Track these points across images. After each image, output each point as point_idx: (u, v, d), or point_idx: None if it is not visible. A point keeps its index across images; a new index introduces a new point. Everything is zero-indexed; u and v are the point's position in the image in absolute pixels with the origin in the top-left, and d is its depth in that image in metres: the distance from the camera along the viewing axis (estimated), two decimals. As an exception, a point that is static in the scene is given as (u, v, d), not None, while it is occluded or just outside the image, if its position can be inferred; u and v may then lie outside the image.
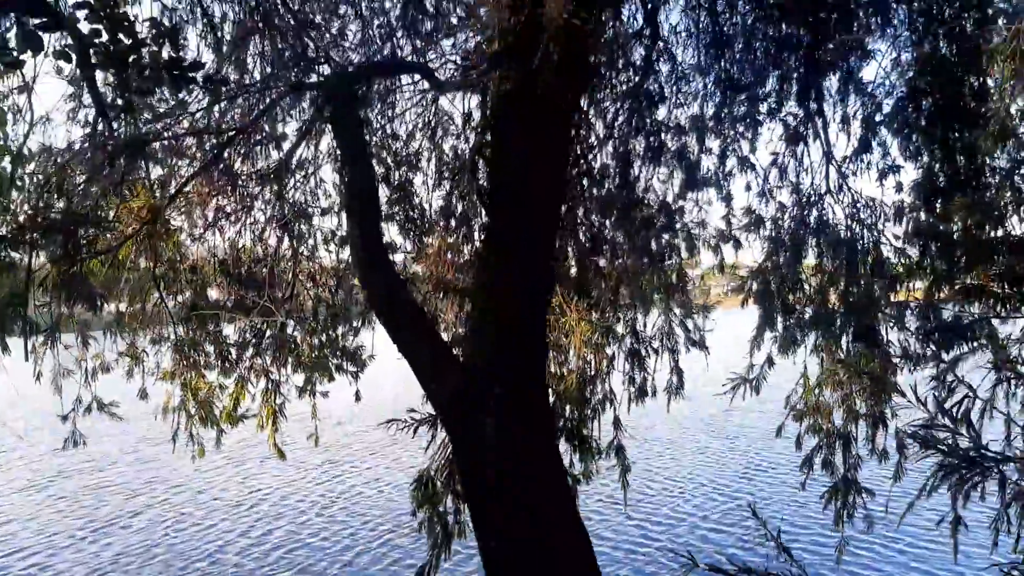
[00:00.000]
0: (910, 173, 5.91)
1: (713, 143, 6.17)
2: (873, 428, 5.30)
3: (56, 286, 3.73)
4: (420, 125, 6.18)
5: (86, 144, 3.92)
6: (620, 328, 5.96)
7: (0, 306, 3.50)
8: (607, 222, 5.95)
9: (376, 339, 6.60)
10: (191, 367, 6.04)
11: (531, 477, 3.89)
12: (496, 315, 3.94)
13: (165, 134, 4.50)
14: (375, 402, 6.81)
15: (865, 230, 5.64)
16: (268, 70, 5.41)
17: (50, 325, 4.35)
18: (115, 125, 3.55)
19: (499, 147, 4.11)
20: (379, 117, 6.08)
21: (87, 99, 5.41)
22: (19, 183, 3.52)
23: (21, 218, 3.46)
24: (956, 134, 5.39)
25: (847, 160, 5.70)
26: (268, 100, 5.05)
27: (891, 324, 5.38)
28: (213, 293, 6.24)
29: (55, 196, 3.66)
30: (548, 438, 4.32)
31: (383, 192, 5.88)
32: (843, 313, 5.49)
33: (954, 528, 5.42)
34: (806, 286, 5.87)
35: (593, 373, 5.55)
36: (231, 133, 4.71)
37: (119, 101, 3.31)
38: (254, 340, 6.27)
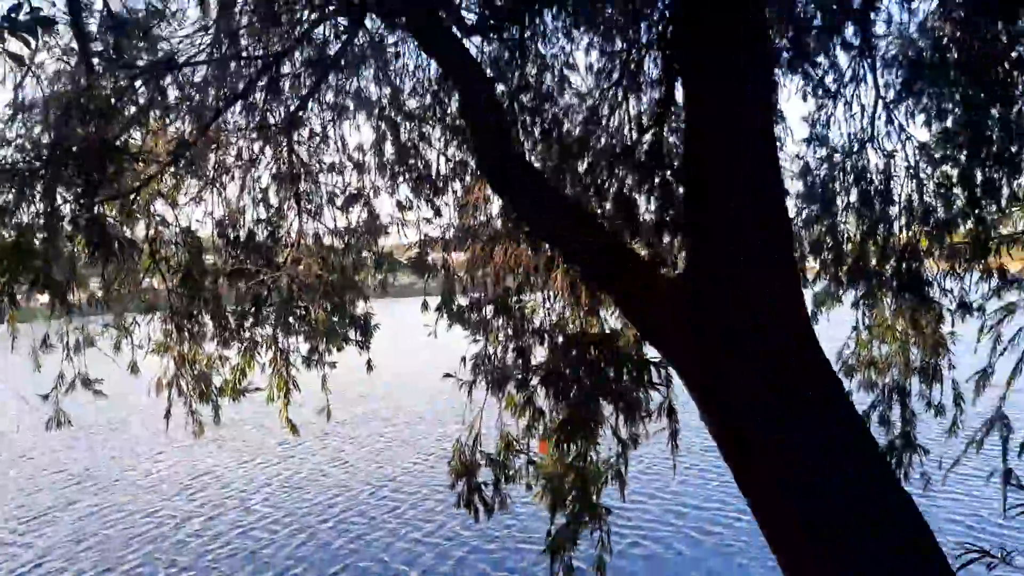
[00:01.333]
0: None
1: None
2: (929, 381, 5.04)
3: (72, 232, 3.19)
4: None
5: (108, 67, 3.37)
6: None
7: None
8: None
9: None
10: (187, 338, 5.50)
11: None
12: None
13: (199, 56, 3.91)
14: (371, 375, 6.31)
15: (909, 177, 5.37)
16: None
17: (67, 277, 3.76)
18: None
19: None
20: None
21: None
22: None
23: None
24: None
25: (890, 105, 5.43)
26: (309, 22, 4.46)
27: (941, 273, 5.13)
28: (209, 258, 5.70)
29: (75, 122, 3.11)
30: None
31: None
32: (890, 263, 5.22)
33: (1004, 481, 5.20)
34: (847, 236, 5.59)
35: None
36: (268, 57, 4.15)
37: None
38: (253, 308, 5.73)
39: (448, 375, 4.91)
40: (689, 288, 3.38)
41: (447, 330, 5.98)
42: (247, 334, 5.63)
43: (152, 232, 5.13)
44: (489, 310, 5.21)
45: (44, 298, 4.90)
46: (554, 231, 3.81)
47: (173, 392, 5.64)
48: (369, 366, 6.13)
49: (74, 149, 2.90)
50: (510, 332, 5.12)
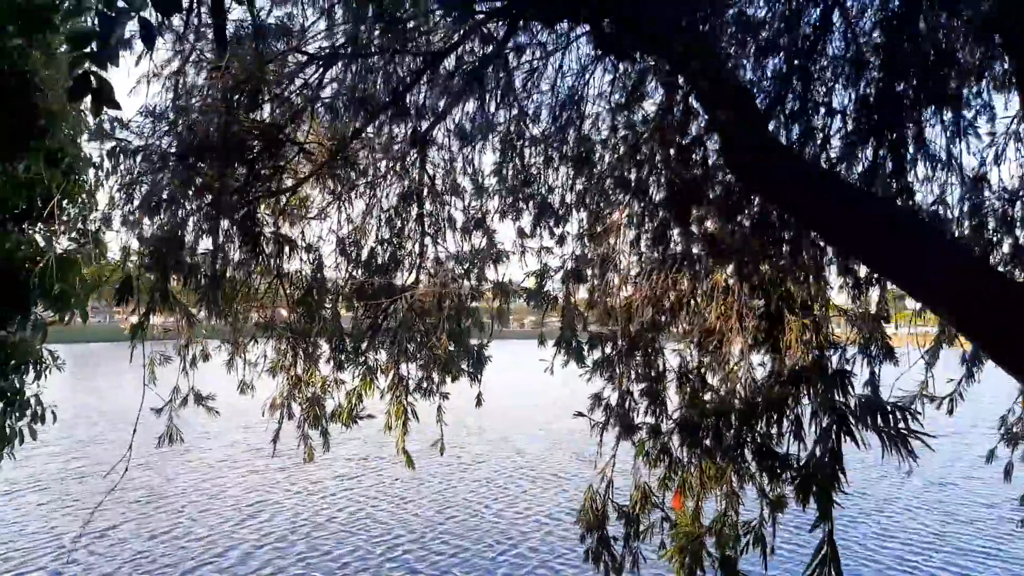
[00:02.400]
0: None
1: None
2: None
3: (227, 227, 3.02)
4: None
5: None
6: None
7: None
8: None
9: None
10: (304, 358, 5.33)
11: None
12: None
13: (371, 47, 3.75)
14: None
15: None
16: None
17: (210, 277, 3.59)
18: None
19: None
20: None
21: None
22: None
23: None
24: None
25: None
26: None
27: None
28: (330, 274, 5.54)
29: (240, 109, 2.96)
30: None
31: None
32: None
33: None
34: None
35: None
36: (428, 55, 3.96)
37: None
38: (370, 332, 5.53)
39: (580, 414, 4.56)
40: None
41: (563, 367, 5.67)
42: (363, 358, 5.42)
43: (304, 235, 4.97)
44: (620, 346, 4.84)
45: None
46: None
47: (284, 414, 5.47)
48: (479, 400, 5.84)
49: (242, 135, 2.73)
50: (643, 373, 4.74)
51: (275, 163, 3.13)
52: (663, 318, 4.62)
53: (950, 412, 5.16)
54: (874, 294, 4.83)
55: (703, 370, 4.65)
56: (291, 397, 5.31)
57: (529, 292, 5.94)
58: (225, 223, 3.27)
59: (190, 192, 3.12)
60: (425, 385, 5.51)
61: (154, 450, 5.26)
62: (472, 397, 5.96)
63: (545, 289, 5.83)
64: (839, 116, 4.44)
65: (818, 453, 3.37)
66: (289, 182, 3.69)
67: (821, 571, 1.84)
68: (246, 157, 2.82)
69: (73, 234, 6.46)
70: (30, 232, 6.76)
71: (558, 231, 6.01)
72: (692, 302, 4.47)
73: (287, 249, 4.41)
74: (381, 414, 5.55)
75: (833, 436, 2.91)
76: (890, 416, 2.46)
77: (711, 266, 4.23)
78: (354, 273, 5.51)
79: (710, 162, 4.52)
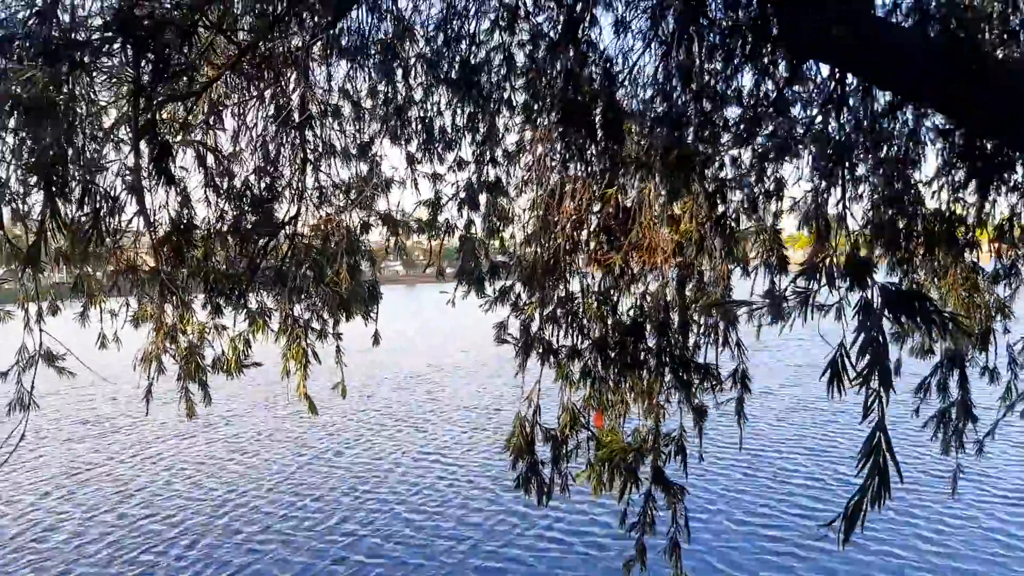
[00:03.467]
0: None
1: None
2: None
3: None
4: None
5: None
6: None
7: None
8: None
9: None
10: (176, 305, 4.71)
11: None
12: None
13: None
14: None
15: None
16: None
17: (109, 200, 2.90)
18: None
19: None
20: None
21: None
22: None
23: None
24: None
25: None
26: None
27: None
28: (200, 211, 4.90)
29: None
30: None
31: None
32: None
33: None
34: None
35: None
36: None
37: None
38: (249, 271, 4.98)
39: (504, 340, 4.37)
40: None
41: (463, 298, 5.45)
42: (243, 301, 4.88)
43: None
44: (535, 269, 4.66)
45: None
46: None
47: (153, 369, 4.83)
48: (376, 339, 5.49)
49: (145, 20, 2.16)
50: (561, 296, 4.61)
51: (189, 55, 2.57)
52: (585, 236, 4.48)
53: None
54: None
55: (620, 289, 4.59)
56: (164, 349, 4.69)
57: (422, 223, 5.62)
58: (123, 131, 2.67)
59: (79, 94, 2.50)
60: (317, 326, 5.07)
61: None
62: (363, 337, 5.61)
63: (440, 219, 5.53)
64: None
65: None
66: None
67: (875, 460, 1.77)
68: (157, 46, 2.25)
69: None
70: None
71: (448, 156, 5.70)
72: (618, 218, 4.35)
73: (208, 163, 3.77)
74: (268, 360, 5.07)
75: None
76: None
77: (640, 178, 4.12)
78: (225, 208, 4.90)
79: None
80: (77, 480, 12.68)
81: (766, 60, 5.29)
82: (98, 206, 2.69)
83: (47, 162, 2.32)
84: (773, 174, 5.14)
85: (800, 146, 5.50)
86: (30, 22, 2.36)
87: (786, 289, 2.12)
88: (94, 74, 2.41)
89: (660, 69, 5.33)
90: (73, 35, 2.40)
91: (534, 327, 4.71)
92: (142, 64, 2.27)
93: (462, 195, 5.56)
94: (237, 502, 11.18)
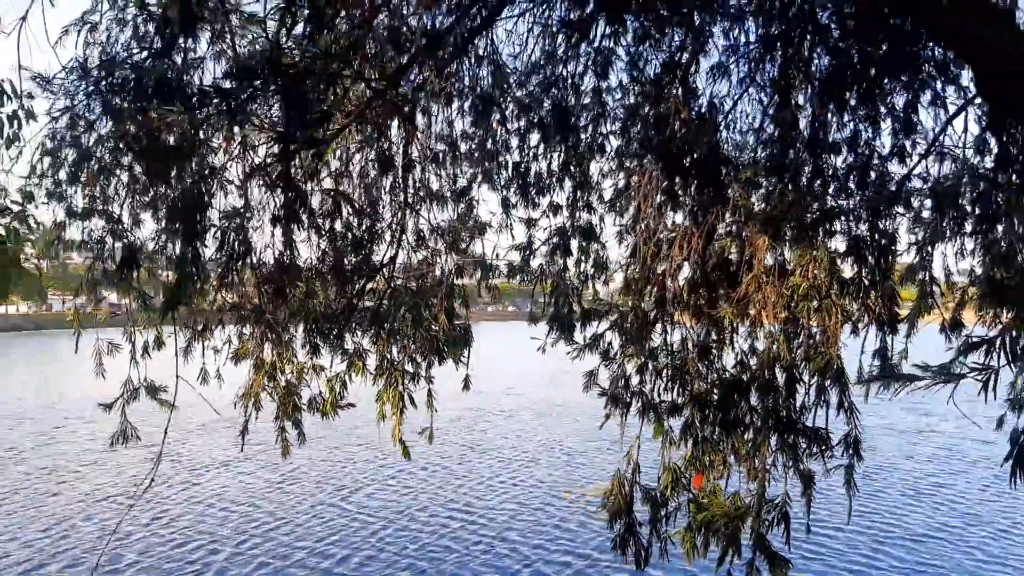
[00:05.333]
0: None
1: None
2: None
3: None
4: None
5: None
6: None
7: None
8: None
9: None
10: (275, 343, 4.77)
11: None
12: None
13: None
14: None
15: None
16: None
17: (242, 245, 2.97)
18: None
19: None
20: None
21: None
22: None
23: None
24: None
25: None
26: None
27: None
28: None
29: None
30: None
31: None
32: None
33: None
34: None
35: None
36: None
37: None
38: (345, 313, 5.02)
39: (604, 393, 4.26)
40: None
41: (552, 345, 5.37)
42: (340, 342, 4.91)
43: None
44: (632, 320, 4.56)
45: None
46: None
47: (252, 405, 4.89)
48: (467, 384, 5.44)
49: (291, 69, 2.20)
50: (660, 347, 4.49)
51: (328, 102, 2.61)
52: (685, 286, 4.35)
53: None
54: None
55: (722, 343, 4.44)
56: (262, 386, 4.74)
57: (514, 267, 5.60)
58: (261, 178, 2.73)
59: (214, 139, 2.57)
60: (411, 369, 5.05)
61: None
62: (452, 381, 5.57)
63: (530, 263, 5.50)
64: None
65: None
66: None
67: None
68: (298, 93, 2.29)
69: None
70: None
71: (542, 201, 5.69)
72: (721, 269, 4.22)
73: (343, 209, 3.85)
74: (360, 402, 5.08)
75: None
76: None
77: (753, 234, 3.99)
78: (326, 248, 4.98)
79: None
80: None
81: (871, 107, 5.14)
82: (233, 251, 2.73)
83: (186, 207, 2.37)
84: (885, 226, 4.93)
85: (912, 197, 5.30)
86: (155, 65, 2.43)
87: (955, 361, 1.97)
88: (238, 119, 2.46)
89: (762, 116, 5.24)
90: (217, 82, 2.46)
91: (633, 380, 4.60)
92: (289, 111, 2.31)
93: (554, 240, 5.52)
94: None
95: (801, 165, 4.53)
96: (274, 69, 2.20)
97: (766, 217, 3.65)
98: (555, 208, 5.47)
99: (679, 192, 4.33)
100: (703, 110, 4.42)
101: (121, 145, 4.03)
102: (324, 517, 12.23)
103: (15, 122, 6.10)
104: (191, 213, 2.41)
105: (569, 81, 5.53)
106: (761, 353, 4.28)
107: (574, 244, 5.63)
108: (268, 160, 2.71)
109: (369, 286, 5.08)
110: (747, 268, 4.20)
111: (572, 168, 5.59)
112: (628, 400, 4.36)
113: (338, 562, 10.19)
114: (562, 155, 5.64)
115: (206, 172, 2.48)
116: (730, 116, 5.38)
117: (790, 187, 4.00)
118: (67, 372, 32.25)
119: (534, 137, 5.56)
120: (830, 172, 4.83)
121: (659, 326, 4.50)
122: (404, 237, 5.12)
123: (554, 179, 5.58)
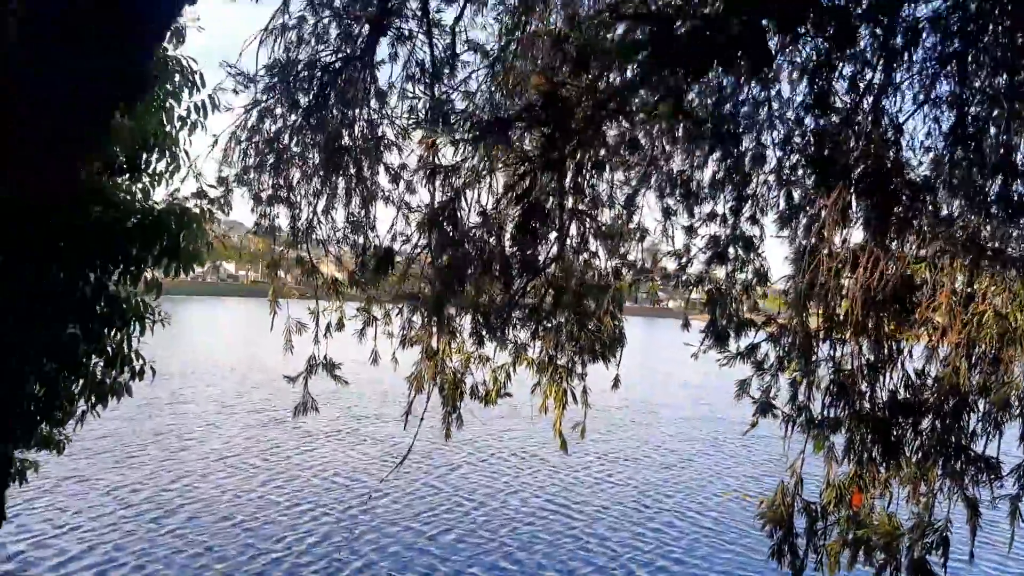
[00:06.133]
0: None
1: None
2: None
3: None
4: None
5: None
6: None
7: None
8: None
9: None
10: (444, 332, 5.08)
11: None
12: None
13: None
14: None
15: None
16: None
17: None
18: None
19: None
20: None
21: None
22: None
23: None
24: None
25: None
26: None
27: None
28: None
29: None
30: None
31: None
32: None
33: None
34: None
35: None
36: None
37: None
38: (508, 307, 5.26)
39: (769, 405, 4.32)
40: None
41: (703, 351, 5.45)
42: (504, 334, 5.17)
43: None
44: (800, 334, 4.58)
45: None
46: None
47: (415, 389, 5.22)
48: (616, 383, 5.61)
49: (559, 103, 2.43)
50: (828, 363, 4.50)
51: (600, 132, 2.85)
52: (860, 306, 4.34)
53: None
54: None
55: (893, 364, 4.41)
56: (434, 372, 5.06)
57: (669, 274, 5.70)
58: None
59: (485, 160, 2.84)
60: (571, 366, 5.26)
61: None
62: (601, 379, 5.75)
63: (689, 271, 5.59)
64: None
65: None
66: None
67: None
68: (575, 124, 2.53)
69: (191, 189, 6.16)
70: (127, 184, 6.45)
71: (700, 210, 5.75)
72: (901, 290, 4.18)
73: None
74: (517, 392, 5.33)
75: None
76: None
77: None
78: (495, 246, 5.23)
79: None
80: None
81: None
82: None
83: (434, 219, 2.63)
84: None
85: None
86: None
87: None
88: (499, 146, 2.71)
89: (941, 135, 5.11)
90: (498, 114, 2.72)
91: (792, 394, 4.63)
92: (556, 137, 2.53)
93: (712, 248, 5.58)
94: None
95: (988, 188, 4.43)
96: (547, 102, 2.42)
97: (967, 242, 3.61)
98: (714, 216, 5.52)
99: (858, 210, 4.32)
100: (889, 132, 4.38)
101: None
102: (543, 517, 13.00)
103: (201, 111, 6.69)
104: (444, 223, 2.67)
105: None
106: (939, 377, 4.23)
107: (731, 252, 5.67)
108: (516, 178, 2.94)
109: (532, 284, 5.30)
110: (928, 290, 4.16)
111: (733, 177, 5.62)
112: (790, 413, 4.40)
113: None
114: (725, 166, 5.68)
115: (460, 187, 2.74)
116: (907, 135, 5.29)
117: (982, 212, 3.93)
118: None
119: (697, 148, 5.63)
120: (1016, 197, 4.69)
121: (826, 342, 4.51)
122: (568, 239, 5.31)
123: (717, 189, 5.62)
